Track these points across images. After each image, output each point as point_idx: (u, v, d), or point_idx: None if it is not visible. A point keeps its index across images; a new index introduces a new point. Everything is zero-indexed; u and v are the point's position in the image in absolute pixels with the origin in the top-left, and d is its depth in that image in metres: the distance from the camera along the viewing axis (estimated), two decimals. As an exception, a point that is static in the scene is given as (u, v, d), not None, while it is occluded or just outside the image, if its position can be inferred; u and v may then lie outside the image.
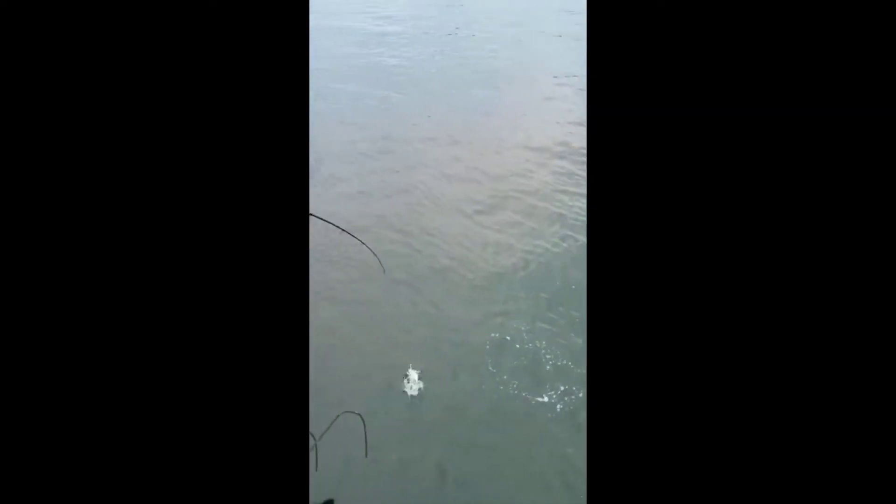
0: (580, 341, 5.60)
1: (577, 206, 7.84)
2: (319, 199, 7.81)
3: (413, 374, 5.29)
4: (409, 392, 5.19)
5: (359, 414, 3.75)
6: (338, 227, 3.48)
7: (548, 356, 5.55)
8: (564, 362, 5.48)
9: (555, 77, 12.38)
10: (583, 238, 6.96)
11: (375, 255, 4.77)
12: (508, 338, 5.76)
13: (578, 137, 9.52)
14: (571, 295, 6.17)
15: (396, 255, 6.79)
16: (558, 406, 5.08)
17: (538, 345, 5.67)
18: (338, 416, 3.61)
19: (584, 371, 5.16)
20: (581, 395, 5.12)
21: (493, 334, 5.80)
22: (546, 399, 5.16)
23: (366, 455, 4.15)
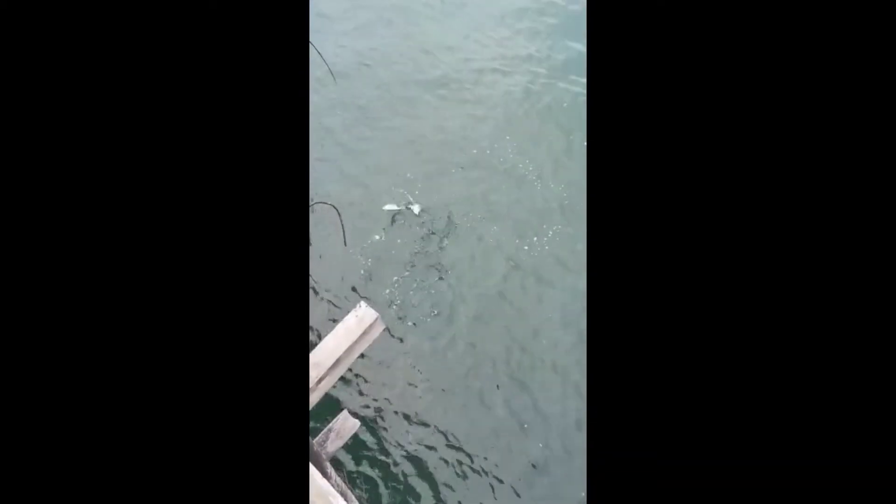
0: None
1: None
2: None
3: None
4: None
5: (332, 205, 3.63)
6: None
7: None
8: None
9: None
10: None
11: None
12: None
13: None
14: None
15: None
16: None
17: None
18: (313, 204, 3.49)
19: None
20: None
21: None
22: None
23: (345, 244, 4.02)
